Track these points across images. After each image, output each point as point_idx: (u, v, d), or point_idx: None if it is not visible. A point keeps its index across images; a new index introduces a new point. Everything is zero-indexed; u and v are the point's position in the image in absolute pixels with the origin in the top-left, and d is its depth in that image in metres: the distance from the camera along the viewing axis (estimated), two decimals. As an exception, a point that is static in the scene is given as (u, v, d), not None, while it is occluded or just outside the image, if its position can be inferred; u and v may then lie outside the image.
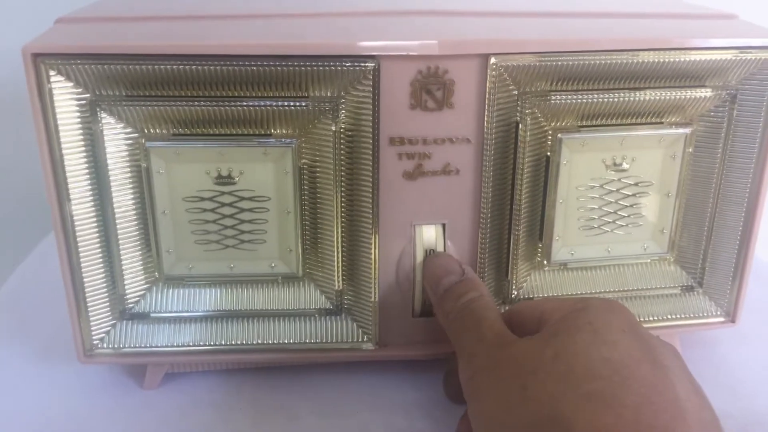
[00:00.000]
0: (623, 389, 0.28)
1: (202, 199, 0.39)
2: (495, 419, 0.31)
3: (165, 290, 0.41)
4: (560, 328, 0.32)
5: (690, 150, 0.42)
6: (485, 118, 0.38)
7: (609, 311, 0.32)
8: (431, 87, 0.37)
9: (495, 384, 0.32)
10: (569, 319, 0.32)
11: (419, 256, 0.41)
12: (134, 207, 0.39)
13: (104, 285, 0.40)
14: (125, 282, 0.40)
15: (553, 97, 0.38)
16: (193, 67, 0.35)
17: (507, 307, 0.43)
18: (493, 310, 0.36)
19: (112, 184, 0.38)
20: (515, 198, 0.40)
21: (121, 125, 0.37)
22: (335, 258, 0.40)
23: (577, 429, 0.27)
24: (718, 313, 0.45)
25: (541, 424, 0.28)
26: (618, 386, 0.28)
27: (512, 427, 0.30)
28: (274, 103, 0.37)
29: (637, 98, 0.39)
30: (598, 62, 0.37)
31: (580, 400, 0.28)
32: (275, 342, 0.42)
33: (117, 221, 0.39)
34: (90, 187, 0.38)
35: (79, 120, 0.36)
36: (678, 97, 0.40)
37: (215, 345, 0.41)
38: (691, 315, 0.45)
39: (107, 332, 0.41)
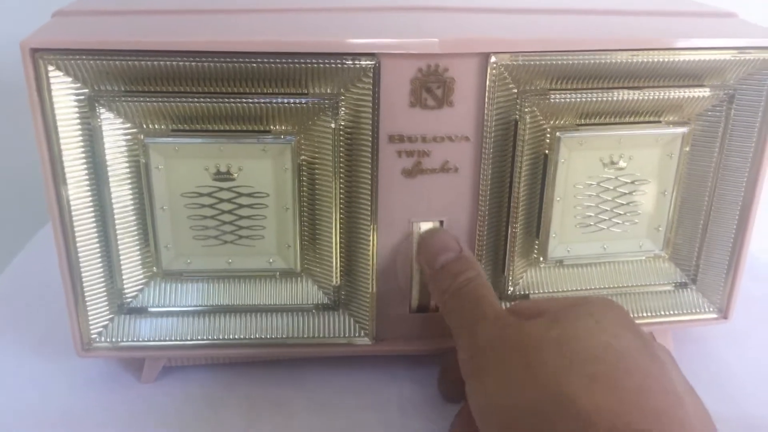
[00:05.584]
0: (625, 375, 0.29)
1: (201, 194, 0.39)
2: (497, 397, 0.31)
3: (163, 285, 0.41)
4: (562, 315, 0.32)
5: (687, 149, 0.42)
6: (485, 117, 0.38)
7: (609, 308, 0.33)
8: (431, 85, 0.37)
9: (497, 362, 0.32)
10: (571, 309, 0.32)
11: (417, 253, 0.41)
12: (133, 202, 0.39)
13: (102, 279, 0.40)
14: (123, 276, 0.40)
15: (553, 96, 0.39)
16: (193, 63, 0.35)
17: (504, 304, 0.43)
18: (490, 289, 0.36)
19: (110, 179, 0.38)
20: (513, 195, 0.40)
21: (120, 121, 0.37)
22: (333, 254, 0.41)
23: (582, 408, 0.28)
24: (711, 309, 0.45)
25: (544, 401, 0.29)
26: (620, 372, 0.29)
27: (515, 405, 0.30)
28: (274, 100, 0.37)
29: (635, 97, 0.39)
30: (597, 61, 0.38)
31: (584, 380, 0.28)
32: (272, 337, 0.42)
33: (115, 216, 0.39)
34: (88, 182, 0.38)
35: (77, 115, 0.36)
36: (676, 96, 0.40)
37: (213, 339, 0.42)
38: (685, 311, 0.45)
39: (105, 326, 0.41)
